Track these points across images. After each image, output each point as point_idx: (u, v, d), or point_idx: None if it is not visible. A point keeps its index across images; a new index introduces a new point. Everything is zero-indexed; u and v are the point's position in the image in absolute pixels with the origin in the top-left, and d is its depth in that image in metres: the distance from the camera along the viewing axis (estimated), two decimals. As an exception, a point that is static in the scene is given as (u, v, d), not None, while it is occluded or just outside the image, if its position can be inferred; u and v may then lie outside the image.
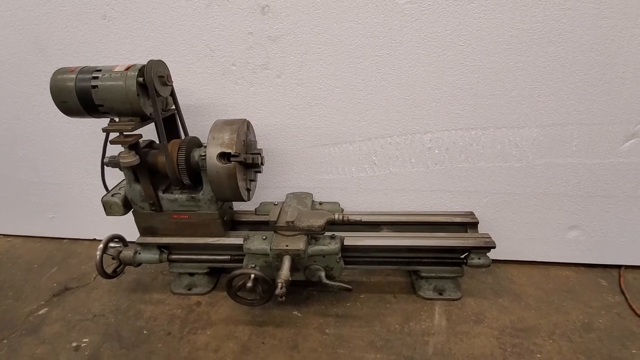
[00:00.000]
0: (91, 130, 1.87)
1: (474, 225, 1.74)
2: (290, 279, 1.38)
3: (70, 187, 2.08)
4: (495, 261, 1.78)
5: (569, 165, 1.67)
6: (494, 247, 1.58)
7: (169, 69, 1.47)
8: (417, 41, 1.51)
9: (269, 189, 1.91)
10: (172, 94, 1.53)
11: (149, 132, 1.54)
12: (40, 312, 1.72)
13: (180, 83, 1.67)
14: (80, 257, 2.11)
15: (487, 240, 1.60)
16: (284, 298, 1.34)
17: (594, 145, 1.62)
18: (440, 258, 1.66)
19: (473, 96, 1.59)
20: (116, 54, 1.68)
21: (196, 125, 1.75)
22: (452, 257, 1.65)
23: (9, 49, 1.75)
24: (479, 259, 1.59)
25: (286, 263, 1.43)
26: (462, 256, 1.64)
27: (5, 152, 2.04)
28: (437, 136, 1.69)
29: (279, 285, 1.34)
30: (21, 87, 1.83)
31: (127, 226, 1.72)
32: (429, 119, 1.66)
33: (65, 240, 2.26)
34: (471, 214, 1.78)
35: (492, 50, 1.49)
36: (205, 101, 1.74)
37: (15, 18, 1.67)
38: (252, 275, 1.45)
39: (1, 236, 2.32)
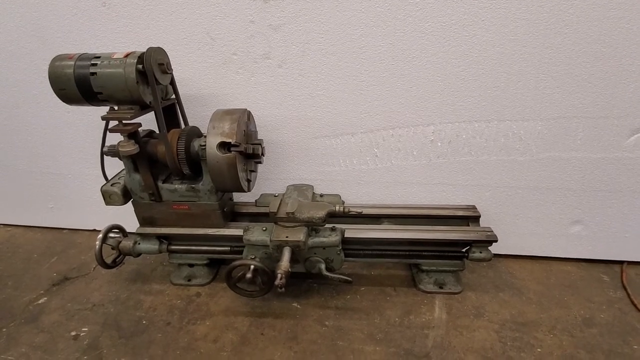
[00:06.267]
0: (91, 119, 1.85)
1: (475, 219, 1.72)
2: (290, 270, 1.37)
3: (70, 177, 2.07)
4: (496, 255, 1.77)
5: (573, 159, 1.65)
6: (496, 241, 1.57)
7: (169, 57, 1.46)
8: (421, 31, 1.49)
9: (270, 181, 1.90)
10: (172, 82, 1.52)
11: (148, 122, 1.52)
12: (40, 302, 1.71)
13: (181, 72, 1.65)
14: (80, 247, 2.10)
15: (489, 234, 1.59)
16: (283, 289, 1.34)
17: (598, 139, 1.59)
18: (441, 251, 1.65)
19: (477, 88, 1.57)
20: (115, 41, 1.66)
21: (196, 115, 1.74)
22: (453, 251, 1.64)
23: (8, 37, 1.73)
24: (480, 252, 1.58)
25: (286, 254, 1.42)
26: (464, 250, 1.63)
27: (4, 142, 2.03)
28: (440, 129, 1.67)
29: (279, 275, 1.33)
30: (20, 75, 1.81)
31: (126, 217, 1.71)
32: (432, 111, 1.64)
33: (65, 231, 2.25)
34: (473, 207, 1.76)
35: (497, 41, 1.47)
36: (206, 91, 1.72)
37: (14, 5, 1.66)
38: (252, 266, 1.44)
39: (1, 226, 2.32)
